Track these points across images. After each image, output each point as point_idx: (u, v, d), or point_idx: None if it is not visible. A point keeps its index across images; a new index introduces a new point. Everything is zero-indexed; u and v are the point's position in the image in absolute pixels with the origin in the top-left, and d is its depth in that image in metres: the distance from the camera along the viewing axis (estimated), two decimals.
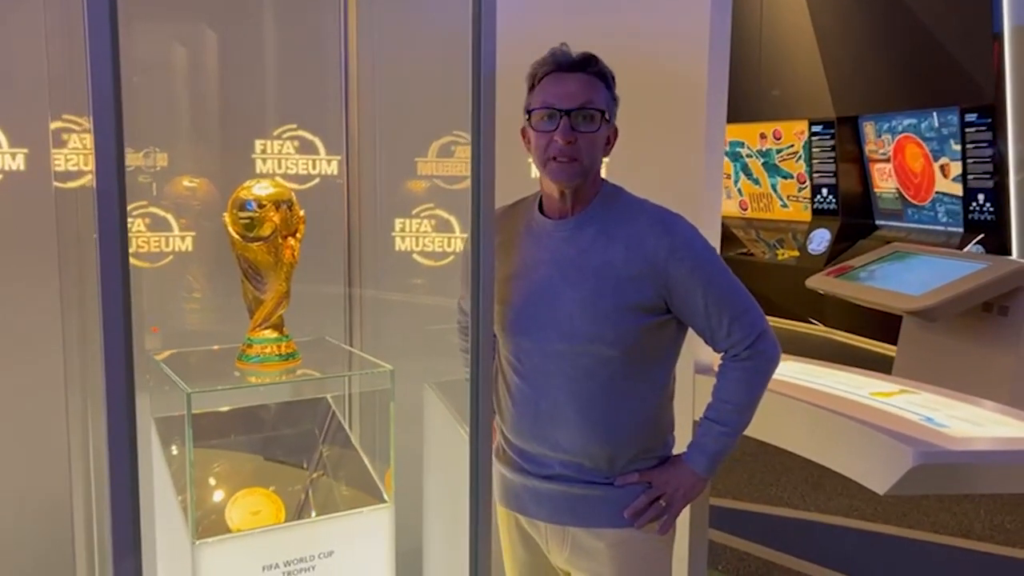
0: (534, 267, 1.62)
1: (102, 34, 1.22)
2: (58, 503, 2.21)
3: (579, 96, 1.54)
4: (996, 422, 2.21)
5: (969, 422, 2.20)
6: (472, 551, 1.58)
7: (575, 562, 1.65)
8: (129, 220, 2.45)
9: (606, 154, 1.63)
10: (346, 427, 1.96)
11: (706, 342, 1.64)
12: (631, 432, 1.60)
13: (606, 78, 1.59)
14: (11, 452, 2.33)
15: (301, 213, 1.71)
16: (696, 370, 2.54)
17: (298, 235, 1.69)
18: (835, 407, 2.26)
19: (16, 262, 2.36)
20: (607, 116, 1.57)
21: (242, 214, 1.64)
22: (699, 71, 2.60)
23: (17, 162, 2.44)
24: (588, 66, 1.56)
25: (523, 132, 1.65)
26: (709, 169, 2.66)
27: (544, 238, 1.64)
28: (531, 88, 1.60)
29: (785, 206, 9.43)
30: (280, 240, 1.66)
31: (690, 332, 1.68)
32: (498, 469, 1.73)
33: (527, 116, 1.60)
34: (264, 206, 1.63)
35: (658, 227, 1.57)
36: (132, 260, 2.49)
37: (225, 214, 1.67)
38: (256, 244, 1.64)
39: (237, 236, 1.65)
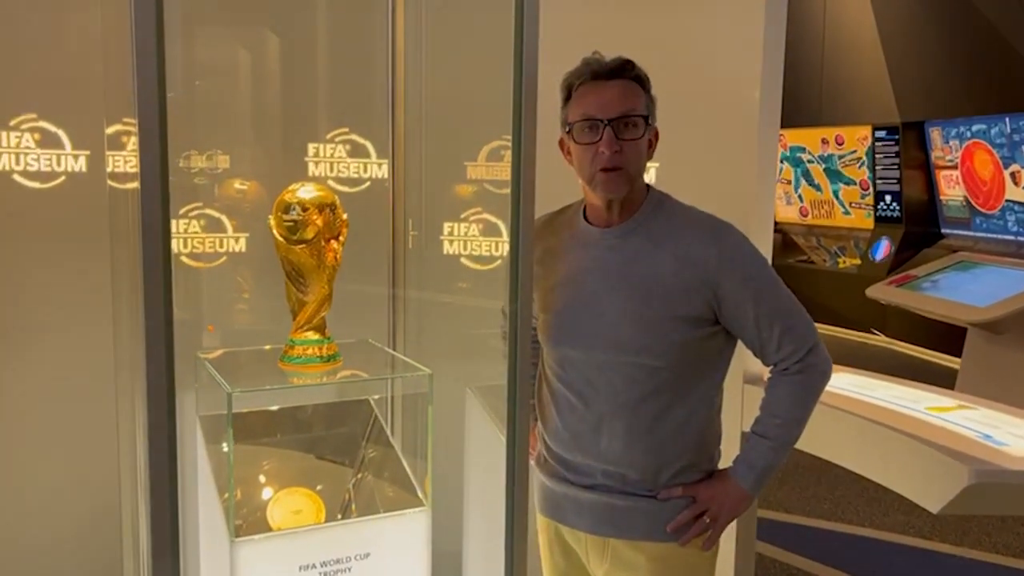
0: (580, 276, 1.60)
1: (148, 42, 1.24)
2: (107, 499, 2.27)
3: (619, 104, 1.51)
4: None
5: None
6: (508, 558, 1.57)
7: (614, 575, 1.62)
8: (184, 221, 2.52)
9: (649, 158, 1.60)
10: (387, 430, 1.97)
11: (755, 355, 1.60)
12: (677, 444, 1.57)
13: (642, 81, 1.56)
14: (63, 449, 2.40)
15: (344, 217, 1.72)
16: (745, 380, 2.49)
17: (341, 238, 1.71)
18: (889, 422, 2.20)
19: (74, 260, 2.43)
20: (649, 121, 1.55)
21: (286, 217, 1.66)
22: (752, 75, 2.56)
23: (80, 164, 2.51)
24: (624, 72, 1.53)
25: (561, 144, 1.62)
26: (762, 175, 2.62)
27: (590, 247, 1.61)
28: (567, 99, 1.58)
29: (847, 213, 9.22)
30: (323, 243, 1.67)
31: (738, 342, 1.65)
32: (539, 478, 1.71)
33: (567, 129, 1.57)
34: (308, 209, 1.65)
35: (707, 236, 1.54)
36: (187, 260, 2.55)
37: (270, 216, 1.69)
38: (299, 247, 1.66)
39: (281, 239, 1.67)
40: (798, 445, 1.68)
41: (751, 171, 2.59)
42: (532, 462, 1.75)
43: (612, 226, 1.60)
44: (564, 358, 1.62)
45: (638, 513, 1.58)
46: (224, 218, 2.65)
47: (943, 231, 8.29)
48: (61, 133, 2.47)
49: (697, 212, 1.61)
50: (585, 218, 1.65)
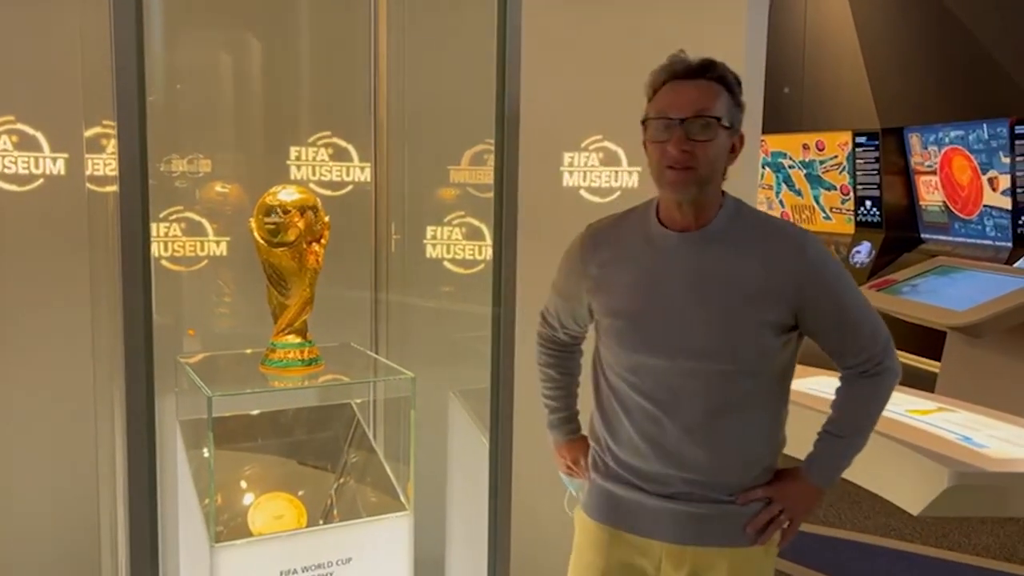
0: (658, 281, 1.56)
1: (127, 45, 1.24)
2: (86, 505, 2.24)
3: (695, 104, 1.48)
4: None
5: (1010, 443, 2.14)
6: (491, 562, 1.57)
7: None
8: (165, 224, 2.50)
9: (730, 163, 1.56)
10: (369, 434, 1.96)
11: (832, 357, 1.60)
12: (761, 448, 1.57)
13: (727, 83, 1.52)
14: (40, 453, 2.37)
15: (326, 219, 1.72)
16: None
17: (323, 241, 1.70)
18: None
19: (52, 263, 2.40)
20: (725, 123, 1.50)
21: (267, 220, 1.65)
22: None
23: (59, 166, 2.49)
24: (707, 72, 1.50)
25: (645, 144, 1.57)
26: (743, 180, 2.62)
27: (668, 251, 1.57)
28: (650, 99, 1.54)
29: (828, 218, 9.28)
30: (304, 246, 1.66)
31: None
32: (604, 486, 1.65)
33: (643, 127, 1.54)
34: (289, 212, 1.64)
35: (793, 244, 1.53)
36: (168, 264, 2.54)
37: (251, 219, 1.68)
38: (280, 249, 1.65)
39: (262, 241, 1.66)
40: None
41: (733, 176, 2.60)
42: (588, 470, 1.69)
43: (690, 230, 1.56)
44: (640, 365, 1.57)
45: (721, 519, 1.56)
46: (205, 221, 2.64)
47: (923, 236, 8.36)
48: (39, 135, 2.45)
49: (777, 219, 1.61)
50: (659, 221, 1.60)
